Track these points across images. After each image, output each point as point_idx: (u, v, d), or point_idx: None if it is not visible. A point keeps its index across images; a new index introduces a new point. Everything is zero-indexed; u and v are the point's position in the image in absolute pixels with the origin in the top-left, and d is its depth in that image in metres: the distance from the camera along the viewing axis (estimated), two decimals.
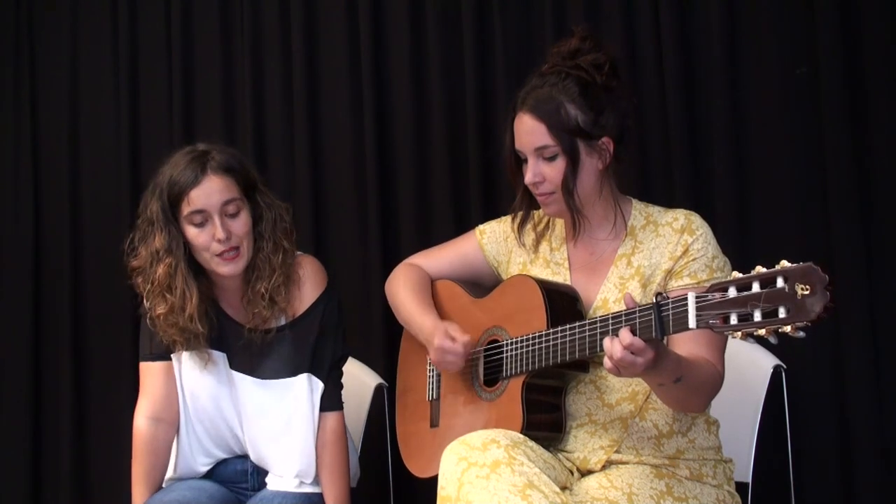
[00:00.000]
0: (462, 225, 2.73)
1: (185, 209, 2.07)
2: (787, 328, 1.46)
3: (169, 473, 2.24)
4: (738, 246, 2.47)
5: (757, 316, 1.48)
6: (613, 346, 1.65)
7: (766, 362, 2.24)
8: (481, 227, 2.20)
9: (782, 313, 1.46)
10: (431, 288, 2.22)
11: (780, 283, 1.47)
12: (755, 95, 2.58)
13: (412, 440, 2.22)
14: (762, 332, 1.48)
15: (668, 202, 2.06)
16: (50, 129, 3.33)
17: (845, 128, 2.45)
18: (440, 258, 2.24)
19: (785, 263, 1.48)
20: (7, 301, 3.31)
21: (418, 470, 2.17)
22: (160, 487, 2.21)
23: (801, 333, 1.46)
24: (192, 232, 2.09)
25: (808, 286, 1.44)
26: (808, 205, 2.52)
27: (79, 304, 3.23)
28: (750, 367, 2.23)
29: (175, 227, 2.09)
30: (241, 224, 2.10)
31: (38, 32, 3.36)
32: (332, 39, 3.02)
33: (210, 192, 2.07)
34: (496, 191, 2.79)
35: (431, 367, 2.18)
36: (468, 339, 2.00)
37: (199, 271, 2.15)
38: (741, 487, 2.03)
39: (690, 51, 2.63)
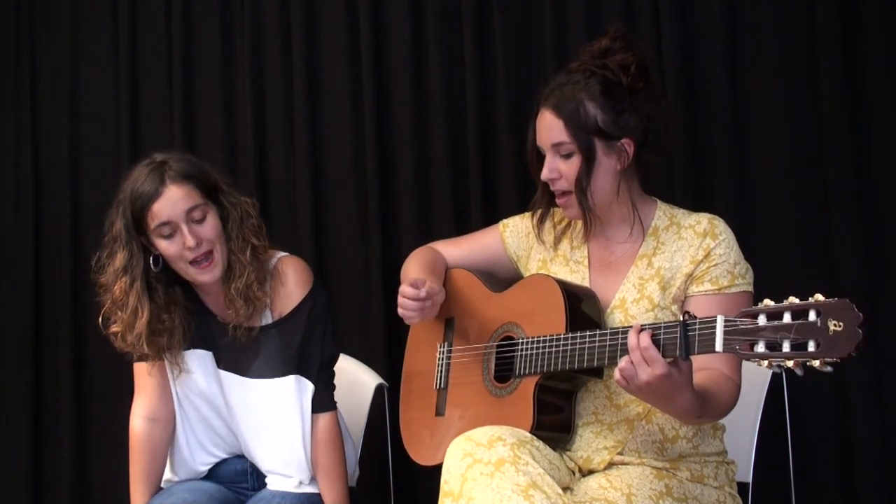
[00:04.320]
0: (462, 225, 2.74)
1: (152, 223, 2.06)
2: (816, 362, 1.44)
3: (167, 475, 2.24)
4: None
5: (786, 347, 1.47)
6: (641, 339, 1.64)
7: None
8: (505, 220, 2.21)
9: (812, 347, 1.44)
10: (448, 276, 2.20)
11: (812, 316, 1.45)
12: (755, 96, 2.58)
13: (415, 427, 2.20)
14: (789, 363, 1.47)
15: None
16: (50, 130, 3.33)
17: (846, 128, 2.45)
18: (459, 246, 2.25)
19: (819, 297, 1.47)
20: (8, 301, 3.31)
21: (419, 457, 2.16)
22: (159, 487, 2.21)
23: (829, 368, 1.45)
24: (162, 245, 2.08)
25: (840, 323, 1.42)
26: (808, 205, 2.52)
27: (79, 304, 3.22)
28: (750, 367, 2.21)
29: (137, 243, 2.09)
30: (210, 228, 2.09)
31: (39, 34, 3.36)
32: (332, 39, 3.02)
33: (172, 201, 2.05)
34: (496, 191, 2.79)
35: (441, 356, 2.17)
36: (430, 289, 1.96)
37: (173, 281, 2.15)
38: (741, 488, 2.03)
39: (690, 51, 2.63)
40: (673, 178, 2.59)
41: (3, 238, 3.35)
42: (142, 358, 2.21)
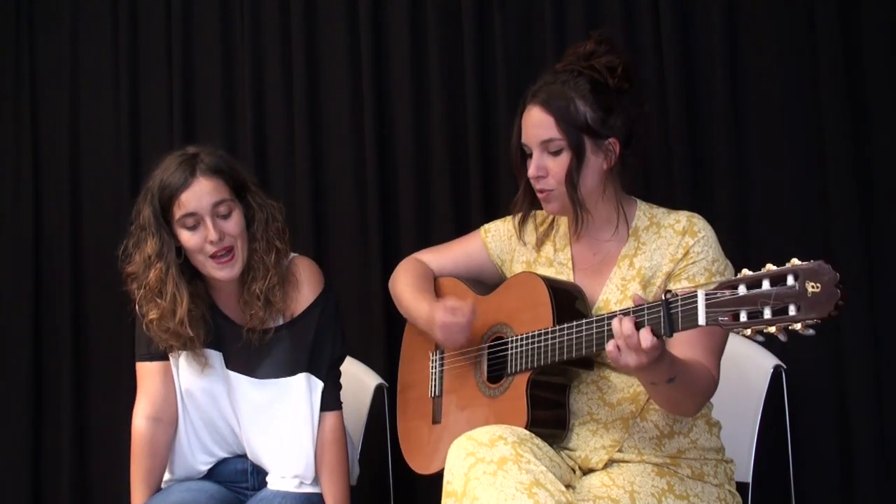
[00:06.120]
0: (462, 225, 2.74)
1: (177, 213, 2.08)
2: (798, 326, 1.46)
3: (166, 476, 2.24)
4: (738, 246, 2.47)
5: (767, 313, 1.48)
6: (623, 326, 1.65)
7: (766, 362, 2.24)
8: (486, 225, 2.21)
9: (792, 311, 1.46)
10: (436, 284, 2.21)
11: (790, 280, 1.47)
12: (755, 96, 2.58)
13: (413, 436, 2.22)
14: (772, 329, 1.48)
15: (668, 202, 2.06)
16: (50, 129, 3.33)
17: (845, 128, 2.45)
18: (444, 255, 2.25)
19: (795, 261, 1.48)
20: (7, 301, 3.31)
21: (420, 467, 2.17)
22: (159, 488, 2.21)
23: (811, 331, 1.47)
24: (185, 235, 2.09)
25: (818, 284, 1.44)
26: (809, 205, 2.52)
27: (79, 304, 3.23)
28: (750, 367, 2.23)
29: (167, 231, 2.10)
30: (234, 224, 2.10)
31: (39, 33, 3.36)
32: (332, 40, 3.03)
33: (200, 194, 2.07)
34: (496, 191, 2.79)
35: (434, 364, 2.18)
36: (469, 305, 2.00)
37: (195, 275, 2.16)
38: (741, 487, 2.03)
39: (690, 51, 2.63)
40: (673, 179, 2.59)
41: (2, 237, 3.35)
42: (156, 356, 2.19)
